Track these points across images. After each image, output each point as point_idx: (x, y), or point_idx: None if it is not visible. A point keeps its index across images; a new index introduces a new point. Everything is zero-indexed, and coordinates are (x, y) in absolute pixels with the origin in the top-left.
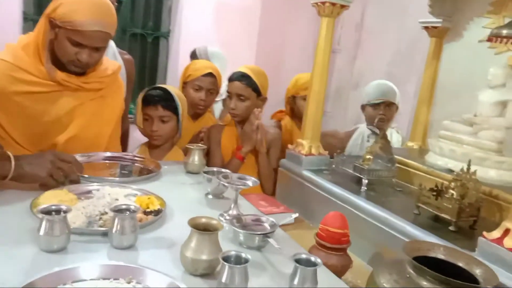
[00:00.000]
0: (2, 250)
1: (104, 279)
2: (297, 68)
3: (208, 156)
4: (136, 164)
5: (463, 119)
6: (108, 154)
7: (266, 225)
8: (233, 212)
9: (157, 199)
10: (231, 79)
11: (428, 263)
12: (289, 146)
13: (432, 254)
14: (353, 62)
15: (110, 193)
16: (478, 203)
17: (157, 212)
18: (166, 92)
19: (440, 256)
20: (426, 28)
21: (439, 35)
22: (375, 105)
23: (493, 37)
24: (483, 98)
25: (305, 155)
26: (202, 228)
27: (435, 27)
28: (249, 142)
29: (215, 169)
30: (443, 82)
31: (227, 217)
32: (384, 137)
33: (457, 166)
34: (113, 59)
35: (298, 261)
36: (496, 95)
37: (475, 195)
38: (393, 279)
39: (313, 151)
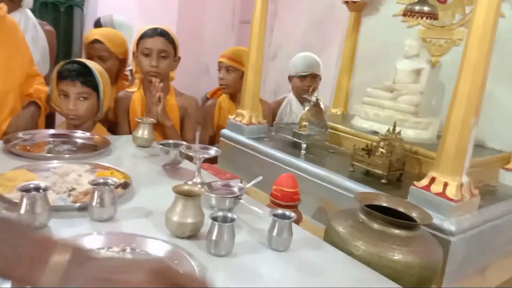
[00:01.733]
0: None
1: (99, 248)
2: (218, 38)
3: (117, 127)
4: (82, 141)
5: (384, 86)
6: (52, 131)
7: (235, 189)
8: (197, 180)
9: (119, 173)
10: (148, 35)
11: (375, 210)
12: (230, 116)
13: (376, 202)
14: (271, 34)
15: (73, 170)
16: (403, 158)
17: (124, 185)
18: (85, 67)
19: (384, 203)
20: (346, 2)
21: (358, 9)
22: (302, 77)
23: (407, 12)
24: (400, 67)
25: (246, 124)
26: (186, 194)
27: (354, 2)
28: (150, 115)
29: (171, 141)
30: (362, 52)
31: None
32: (317, 105)
33: (381, 128)
34: (33, 30)
35: (275, 215)
36: (411, 64)
37: (401, 152)
38: (349, 225)
39: (253, 120)
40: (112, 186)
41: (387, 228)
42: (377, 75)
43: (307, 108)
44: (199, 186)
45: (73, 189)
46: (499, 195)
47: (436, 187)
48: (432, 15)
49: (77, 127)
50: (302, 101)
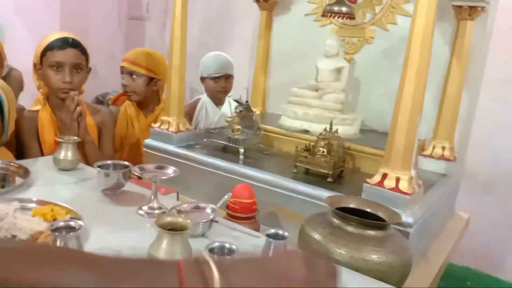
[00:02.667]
0: None
1: None
2: (105, 36)
3: (24, 151)
4: None
5: (309, 85)
6: None
7: (208, 210)
8: (154, 204)
9: (59, 207)
10: (57, 47)
11: (344, 212)
12: (153, 124)
13: (343, 205)
14: (163, 30)
15: (7, 213)
16: (343, 155)
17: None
18: None
19: (351, 205)
20: (257, 1)
21: (269, 8)
22: (215, 78)
23: (327, 13)
24: (322, 66)
25: (175, 132)
26: (169, 228)
27: (266, 1)
28: (69, 132)
29: (109, 162)
30: (276, 51)
31: (148, 210)
32: (248, 107)
33: (311, 126)
34: None
35: (269, 235)
36: (332, 63)
37: (340, 149)
38: (327, 232)
39: (181, 127)
40: (78, 231)
41: (362, 231)
42: (294, 74)
43: (237, 110)
44: (145, 212)
45: (14, 236)
46: (426, 181)
47: (389, 183)
48: (350, 15)
49: None
50: (217, 103)
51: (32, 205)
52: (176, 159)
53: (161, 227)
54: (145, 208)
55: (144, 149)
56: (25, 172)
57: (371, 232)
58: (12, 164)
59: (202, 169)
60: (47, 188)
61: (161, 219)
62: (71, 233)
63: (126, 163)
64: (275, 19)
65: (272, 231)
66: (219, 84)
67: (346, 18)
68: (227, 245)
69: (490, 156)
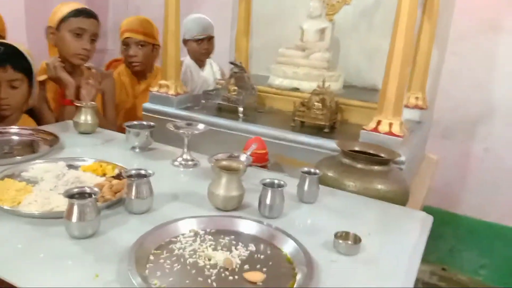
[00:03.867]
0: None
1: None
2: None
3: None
4: (18, 138)
5: (296, 45)
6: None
7: (241, 158)
8: (187, 156)
9: (106, 163)
10: (84, 14)
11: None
12: (151, 89)
13: (350, 148)
14: None
15: (50, 170)
16: (336, 108)
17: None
18: (13, 49)
19: (357, 148)
20: None
21: None
22: (198, 40)
23: None
24: (307, 27)
25: (175, 95)
26: (226, 169)
27: None
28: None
29: (135, 122)
30: (258, 14)
31: (182, 162)
32: (242, 68)
33: (300, 84)
34: None
35: (304, 172)
36: (316, 23)
37: (333, 103)
38: (340, 170)
39: (179, 90)
40: (148, 177)
41: (370, 167)
42: (276, 36)
43: (232, 72)
44: (180, 163)
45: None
46: None
47: (383, 128)
48: None
49: (3, 119)
50: (200, 65)
51: (77, 163)
52: (178, 120)
53: (220, 169)
54: (179, 160)
55: (144, 112)
56: (54, 137)
57: (377, 168)
58: (41, 130)
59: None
60: (77, 150)
61: (219, 162)
62: (144, 179)
63: (151, 123)
64: None
65: (306, 169)
66: (202, 46)
67: None
68: (276, 181)
69: (449, 104)
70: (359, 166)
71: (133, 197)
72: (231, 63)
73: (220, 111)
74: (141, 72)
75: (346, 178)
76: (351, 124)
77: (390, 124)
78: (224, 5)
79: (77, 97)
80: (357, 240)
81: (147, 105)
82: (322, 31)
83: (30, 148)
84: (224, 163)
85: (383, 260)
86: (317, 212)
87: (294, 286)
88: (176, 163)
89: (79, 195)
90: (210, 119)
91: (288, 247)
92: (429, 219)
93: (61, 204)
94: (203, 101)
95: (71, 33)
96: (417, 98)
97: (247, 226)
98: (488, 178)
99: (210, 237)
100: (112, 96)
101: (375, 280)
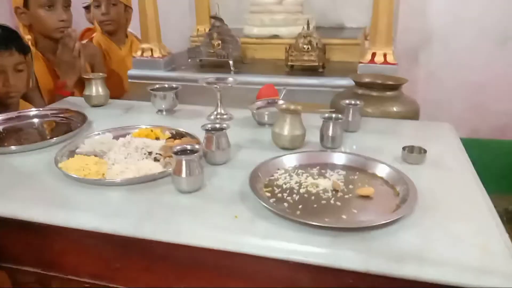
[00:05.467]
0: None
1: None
2: None
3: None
4: (43, 120)
5: None
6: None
7: (280, 103)
8: (221, 110)
9: (152, 128)
10: None
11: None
12: (134, 54)
13: (362, 80)
14: None
15: (125, 141)
16: (324, 48)
17: (178, 134)
18: (12, 30)
19: (367, 79)
20: None
21: None
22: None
23: None
24: None
25: (161, 57)
26: (288, 111)
27: None
28: (73, 72)
29: (157, 85)
30: None
31: (218, 116)
32: (221, 20)
33: (279, 30)
34: None
35: (347, 104)
36: None
37: (320, 44)
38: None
39: (163, 52)
40: (225, 130)
41: (383, 93)
42: None
43: (215, 25)
44: (215, 118)
45: (150, 153)
46: None
47: (379, 58)
48: None
49: (6, 107)
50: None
51: (122, 132)
52: (169, 83)
53: (283, 111)
54: (214, 114)
55: (130, 80)
56: (76, 113)
57: (389, 93)
58: (56, 108)
59: (201, 87)
60: (104, 122)
61: (279, 106)
62: (222, 131)
63: (174, 85)
64: None
65: (347, 101)
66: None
67: None
68: (333, 115)
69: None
70: (374, 94)
71: (214, 149)
72: (213, 17)
73: (206, 67)
74: (116, 36)
75: (364, 106)
76: (336, 61)
77: (385, 55)
78: None
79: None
80: (421, 151)
81: (132, 72)
82: None
83: (59, 128)
84: (284, 106)
85: (444, 164)
86: (367, 137)
87: (399, 192)
88: (211, 117)
89: (181, 152)
90: (203, 76)
91: (373, 167)
92: (451, 127)
93: (152, 167)
94: (189, 60)
95: (42, 7)
96: None
97: (328, 156)
98: (432, 98)
99: (301, 170)
100: (100, 64)
101: (450, 180)
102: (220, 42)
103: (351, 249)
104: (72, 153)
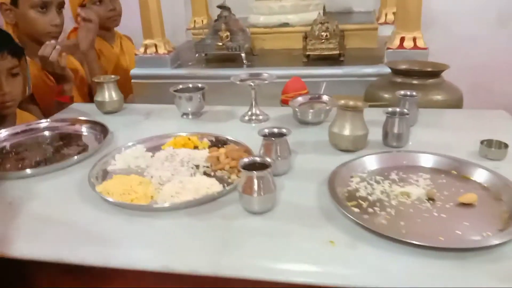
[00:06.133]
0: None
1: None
2: None
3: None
4: (55, 132)
5: None
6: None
7: (324, 98)
8: (256, 111)
9: (188, 135)
10: None
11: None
12: (136, 51)
13: (398, 67)
14: None
15: (168, 154)
16: (342, 37)
17: (220, 142)
18: (3, 32)
19: (403, 66)
20: None
21: None
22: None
23: None
24: None
25: (167, 53)
26: (349, 108)
27: None
28: (65, 79)
29: (181, 86)
30: None
31: (253, 117)
32: (228, 9)
33: (288, 18)
34: None
35: (403, 95)
36: None
37: (337, 31)
38: (395, 88)
39: (168, 47)
40: (286, 136)
41: (423, 81)
42: None
43: (222, 15)
44: (249, 117)
45: (197, 166)
46: None
47: (408, 43)
48: None
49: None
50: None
51: (152, 143)
52: (177, 81)
53: (342, 109)
54: (248, 115)
55: (133, 80)
56: (96, 123)
57: (430, 80)
58: (69, 119)
59: (214, 83)
60: (129, 131)
61: (339, 103)
62: (283, 138)
63: (199, 84)
64: None
65: (402, 92)
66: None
67: None
68: (397, 109)
69: None
70: (414, 82)
71: (274, 158)
72: (219, 6)
73: (214, 62)
74: (110, 34)
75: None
76: (352, 48)
77: (414, 39)
78: None
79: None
80: (502, 145)
81: (135, 71)
82: None
83: (76, 142)
84: (343, 102)
85: None
86: (428, 132)
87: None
88: (246, 119)
89: (249, 166)
90: (216, 72)
91: (462, 168)
92: (507, 114)
93: (208, 184)
94: (197, 55)
95: (34, 8)
96: (394, 13)
97: (406, 158)
98: None
99: (379, 177)
100: (97, 68)
101: None
102: (228, 33)
103: (483, 271)
104: (105, 173)
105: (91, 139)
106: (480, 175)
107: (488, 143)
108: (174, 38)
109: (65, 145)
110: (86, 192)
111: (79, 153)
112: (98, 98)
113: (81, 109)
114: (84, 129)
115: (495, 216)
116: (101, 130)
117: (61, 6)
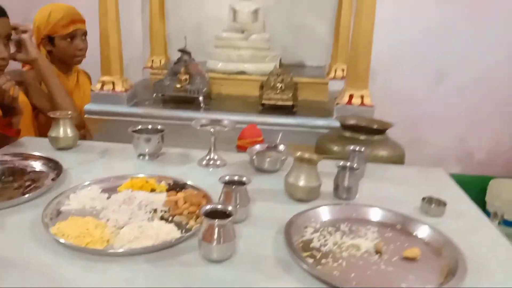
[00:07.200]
0: None
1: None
2: None
3: None
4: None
5: (233, 27)
6: None
7: (279, 148)
8: (214, 156)
9: (146, 177)
10: None
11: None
12: (92, 88)
13: (347, 123)
14: None
15: (126, 196)
16: (296, 89)
17: (178, 186)
18: None
19: (352, 121)
20: None
21: None
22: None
23: None
24: (240, 8)
25: (124, 91)
26: (305, 161)
27: None
28: (14, 111)
29: (140, 126)
30: None
31: (211, 162)
32: (189, 54)
33: (245, 67)
34: None
35: (354, 150)
36: (249, 4)
37: (291, 83)
38: (345, 143)
39: (126, 85)
40: (245, 185)
41: (370, 137)
42: (194, 18)
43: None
44: (206, 163)
45: (155, 210)
46: None
47: (356, 100)
48: None
49: None
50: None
51: (108, 184)
52: (133, 119)
53: (298, 160)
54: (206, 160)
55: (86, 115)
56: (49, 160)
57: (376, 137)
58: (17, 154)
59: (171, 124)
60: (83, 169)
61: (296, 155)
62: (243, 186)
63: (159, 126)
64: None
65: (352, 147)
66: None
67: None
68: (348, 163)
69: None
70: (361, 137)
71: (233, 205)
72: (181, 50)
73: (171, 103)
74: (68, 67)
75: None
76: (303, 100)
77: (362, 96)
78: None
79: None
80: (441, 203)
81: (90, 106)
82: (255, 12)
83: (26, 179)
84: (299, 154)
85: (462, 214)
86: (375, 186)
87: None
88: (204, 163)
89: (211, 213)
90: (173, 113)
91: (406, 223)
92: (445, 173)
93: (168, 230)
94: (154, 95)
95: None
96: (343, 70)
97: (356, 211)
98: None
99: (331, 228)
100: (36, 89)
101: (466, 231)
102: (188, 77)
103: None
104: (59, 213)
105: (43, 176)
106: (422, 231)
107: (428, 200)
108: (129, 75)
109: (15, 181)
110: (38, 233)
111: (30, 190)
112: (52, 133)
113: (32, 144)
114: (36, 165)
115: (437, 270)
116: (55, 167)
117: (8, 38)
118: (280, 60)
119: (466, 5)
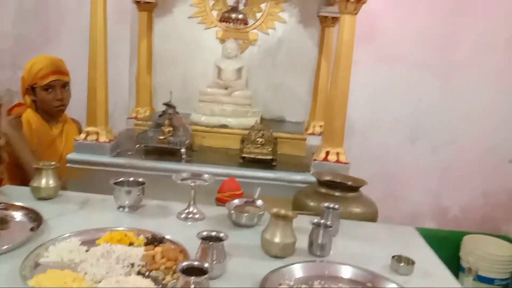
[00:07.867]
0: None
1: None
2: None
3: None
4: None
5: (218, 84)
6: None
7: (258, 203)
8: (193, 209)
9: (125, 231)
10: None
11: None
12: (76, 137)
13: (323, 179)
14: None
15: (73, 250)
16: (275, 144)
17: (156, 240)
18: None
19: (327, 178)
20: (137, 2)
21: (149, 9)
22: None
23: (224, 19)
24: (225, 66)
25: (107, 142)
26: (281, 218)
27: (147, 2)
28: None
29: (122, 178)
30: (159, 51)
31: (189, 216)
32: (174, 107)
33: (228, 121)
34: None
35: (327, 207)
36: (234, 63)
37: (271, 138)
38: (320, 199)
39: (110, 136)
40: (224, 241)
41: (345, 194)
42: (180, 73)
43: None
44: (185, 217)
45: (132, 264)
46: None
47: (332, 157)
48: (244, 21)
49: None
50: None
51: (87, 237)
52: (115, 169)
53: (274, 217)
54: (185, 213)
55: (69, 164)
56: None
57: (350, 194)
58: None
59: (152, 175)
60: (62, 220)
61: (273, 211)
62: (220, 242)
63: (140, 179)
64: (156, 20)
65: (326, 204)
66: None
67: (241, 24)
68: (322, 221)
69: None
70: (336, 194)
71: (209, 262)
72: (166, 104)
73: (153, 154)
74: (51, 115)
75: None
76: (282, 154)
77: (338, 154)
78: (120, 39)
79: None
80: (410, 261)
81: (73, 155)
82: (239, 70)
83: (6, 228)
84: (275, 210)
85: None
86: (348, 243)
87: None
88: (183, 216)
89: (187, 270)
90: (155, 164)
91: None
92: (415, 231)
93: (144, 285)
94: (137, 146)
95: None
96: (321, 126)
97: (329, 268)
98: None
99: (304, 285)
100: (18, 139)
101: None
102: (171, 129)
103: None
104: (37, 265)
105: (23, 226)
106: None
107: (398, 259)
108: (114, 123)
109: None
110: (16, 285)
111: (9, 241)
112: (34, 183)
113: (12, 193)
114: (17, 215)
115: None
116: (35, 218)
117: None
118: (261, 116)
119: (439, 73)
